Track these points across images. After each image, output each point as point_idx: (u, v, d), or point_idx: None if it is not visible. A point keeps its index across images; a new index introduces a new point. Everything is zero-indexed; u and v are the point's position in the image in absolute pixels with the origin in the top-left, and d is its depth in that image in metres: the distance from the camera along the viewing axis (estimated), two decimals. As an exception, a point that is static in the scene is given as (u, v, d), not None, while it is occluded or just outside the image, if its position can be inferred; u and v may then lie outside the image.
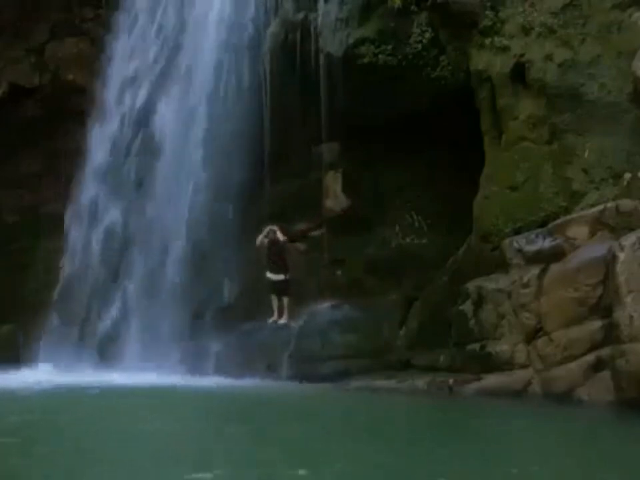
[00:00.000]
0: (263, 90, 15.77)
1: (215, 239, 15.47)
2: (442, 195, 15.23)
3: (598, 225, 11.57)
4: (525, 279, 11.75)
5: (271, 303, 15.34)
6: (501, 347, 11.82)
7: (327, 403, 11.94)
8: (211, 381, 13.67)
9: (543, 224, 12.43)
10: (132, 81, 17.40)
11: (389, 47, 14.51)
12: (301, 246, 16.38)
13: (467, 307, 12.49)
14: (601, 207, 11.70)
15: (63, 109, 17.80)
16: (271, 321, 15.20)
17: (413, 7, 14.27)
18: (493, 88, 13.60)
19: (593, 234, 11.57)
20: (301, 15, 15.77)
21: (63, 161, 17.32)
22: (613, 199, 11.77)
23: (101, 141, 17.22)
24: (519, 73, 13.33)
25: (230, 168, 15.56)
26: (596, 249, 11.16)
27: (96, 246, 16.96)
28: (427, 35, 14.31)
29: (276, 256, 15.35)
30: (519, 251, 12.27)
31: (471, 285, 12.59)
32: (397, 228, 15.82)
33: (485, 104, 13.76)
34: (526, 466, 6.81)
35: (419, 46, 14.33)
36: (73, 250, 17.13)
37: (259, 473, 6.35)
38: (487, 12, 13.72)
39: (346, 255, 15.88)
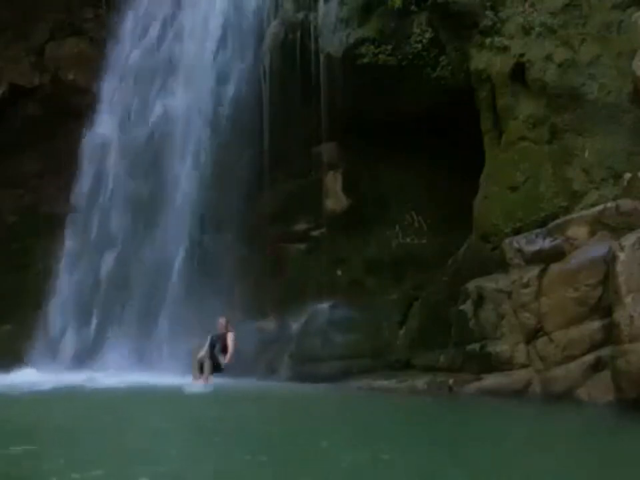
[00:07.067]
0: (262, 90, 15.78)
1: (217, 239, 15.49)
2: (442, 194, 15.22)
3: (598, 225, 11.57)
4: (525, 279, 11.75)
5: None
6: (501, 347, 11.83)
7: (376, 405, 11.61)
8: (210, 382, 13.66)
9: (542, 224, 12.43)
10: (131, 82, 17.40)
11: (389, 47, 14.52)
12: (301, 246, 16.38)
13: (467, 306, 12.50)
14: (600, 207, 11.70)
15: (62, 109, 17.81)
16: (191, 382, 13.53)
17: (413, 7, 14.28)
18: (493, 88, 13.61)
19: (592, 234, 11.57)
20: (300, 15, 15.79)
21: (63, 161, 17.33)
22: (613, 199, 11.76)
23: (98, 141, 17.27)
24: (519, 73, 13.33)
25: (230, 168, 15.56)
26: (596, 249, 11.16)
27: (95, 247, 16.99)
28: (427, 35, 14.31)
29: (222, 341, 14.14)
30: (519, 250, 12.28)
31: (471, 285, 12.60)
32: (397, 228, 15.82)
33: (484, 104, 13.76)
34: (525, 466, 6.81)
35: (419, 46, 14.34)
36: (72, 249, 17.16)
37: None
38: (487, 12, 13.74)
39: (346, 255, 15.88)
